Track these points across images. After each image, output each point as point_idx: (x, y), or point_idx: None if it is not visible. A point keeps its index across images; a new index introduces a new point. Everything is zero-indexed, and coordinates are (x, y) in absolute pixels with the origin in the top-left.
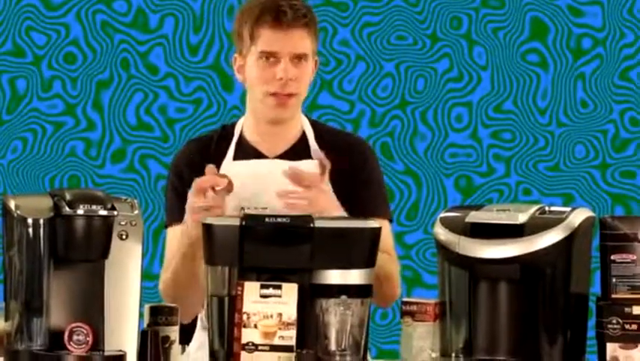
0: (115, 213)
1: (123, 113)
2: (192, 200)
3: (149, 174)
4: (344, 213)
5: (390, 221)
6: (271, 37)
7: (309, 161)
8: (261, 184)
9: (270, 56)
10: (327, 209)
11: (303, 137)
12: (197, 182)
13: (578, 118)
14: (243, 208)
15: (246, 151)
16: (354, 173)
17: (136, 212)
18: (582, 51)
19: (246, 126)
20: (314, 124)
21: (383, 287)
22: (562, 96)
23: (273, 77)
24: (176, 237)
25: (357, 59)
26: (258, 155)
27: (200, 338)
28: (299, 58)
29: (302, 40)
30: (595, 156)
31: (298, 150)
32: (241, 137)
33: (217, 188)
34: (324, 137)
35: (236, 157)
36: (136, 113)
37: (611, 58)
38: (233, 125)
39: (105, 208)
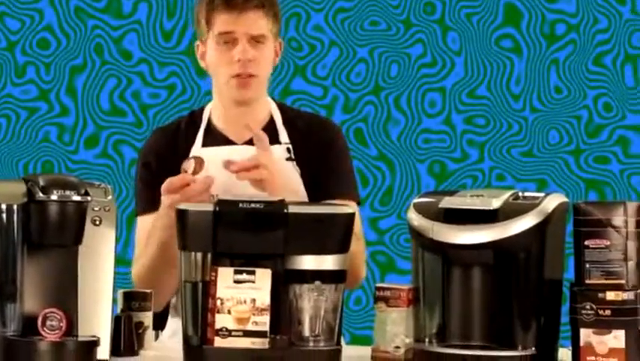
0: (88, 198)
1: (97, 99)
2: (164, 198)
3: (123, 160)
4: (302, 195)
5: (359, 203)
6: (226, 20)
7: (278, 146)
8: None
9: (227, 40)
10: (280, 189)
11: (271, 121)
12: (166, 185)
13: (551, 104)
14: (213, 195)
15: (215, 138)
16: (323, 154)
17: (109, 198)
18: (556, 37)
19: (213, 113)
20: (281, 108)
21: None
22: (535, 82)
23: (231, 60)
24: (145, 227)
25: (330, 45)
26: (226, 141)
27: (173, 325)
28: (257, 40)
29: (258, 21)
30: (568, 141)
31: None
32: (209, 123)
33: (188, 171)
34: (292, 120)
35: (204, 144)
36: (109, 99)
37: (585, 44)
38: (201, 112)
39: (79, 194)
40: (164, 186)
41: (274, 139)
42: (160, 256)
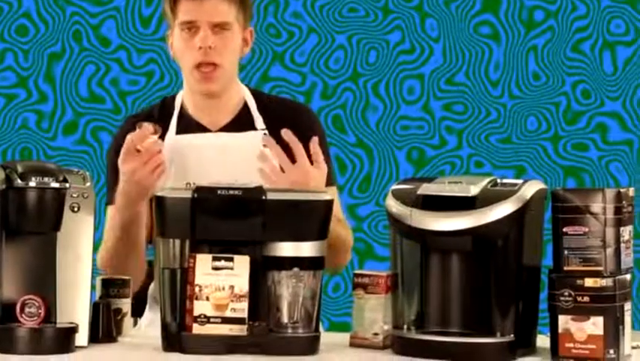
0: (67, 185)
1: (75, 86)
2: (125, 166)
3: (101, 147)
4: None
5: (333, 185)
6: (188, 8)
7: (253, 132)
8: (206, 158)
9: (190, 27)
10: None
11: (245, 108)
12: (124, 147)
13: (530, 90)
14: (189, 183)
15: (189, 125)
16: (300, 140)
17: (88, 184)
18: (534, 23)
19: (185, 100)
20: (255, 93)
21: (332, 250)
22: (514, 68)
23: (193, 47)
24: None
25: (309, 31)
26: (200, 128)
27: (151, 314)
28: (220, 27)
29: (219, 8)
30: (547, 128)
31: (241, 122)
32: (182, 110)
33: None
34: (267, 106)
35: (178, 131)
36: (88, 86)
37: (563, 30)
38: (173, 99)
39: (57, 180)
40: (122, 156)
41: (249, 125)
42: (121, 239)
